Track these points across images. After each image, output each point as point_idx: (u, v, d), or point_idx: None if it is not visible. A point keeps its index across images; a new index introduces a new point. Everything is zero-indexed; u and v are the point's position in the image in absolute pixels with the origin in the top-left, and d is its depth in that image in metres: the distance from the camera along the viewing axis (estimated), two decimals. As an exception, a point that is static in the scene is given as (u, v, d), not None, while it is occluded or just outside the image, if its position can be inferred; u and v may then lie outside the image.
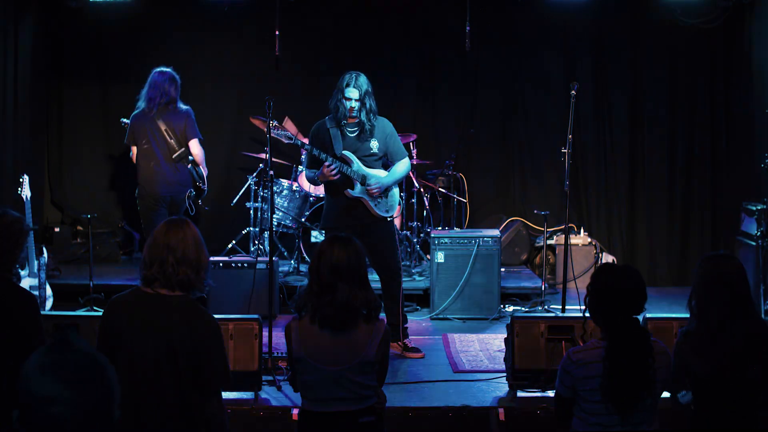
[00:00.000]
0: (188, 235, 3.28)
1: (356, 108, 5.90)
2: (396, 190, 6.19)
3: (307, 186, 8.08)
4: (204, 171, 7.15)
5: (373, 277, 7.49)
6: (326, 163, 5.84)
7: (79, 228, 9.01)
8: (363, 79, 5.93)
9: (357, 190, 5.97)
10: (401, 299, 6.11)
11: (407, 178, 7.95)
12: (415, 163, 8.27)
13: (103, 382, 1.87)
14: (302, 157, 8.24)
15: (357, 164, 5.96)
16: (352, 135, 6.00)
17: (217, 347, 3.24)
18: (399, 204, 6.20)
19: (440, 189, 8.39)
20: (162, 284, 3.23)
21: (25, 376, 1.86)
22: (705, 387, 3.48)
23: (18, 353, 3.48)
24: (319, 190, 8.11)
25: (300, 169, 8.17)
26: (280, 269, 7.68)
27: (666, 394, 3.52)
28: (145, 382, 3.15)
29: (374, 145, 6.02)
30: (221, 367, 3.24)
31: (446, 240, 7.25)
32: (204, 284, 3.32)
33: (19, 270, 5.70)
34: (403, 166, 6.15)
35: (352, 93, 5.90)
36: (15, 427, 1.84)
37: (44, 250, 6.42)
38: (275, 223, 8.07)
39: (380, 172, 6.06)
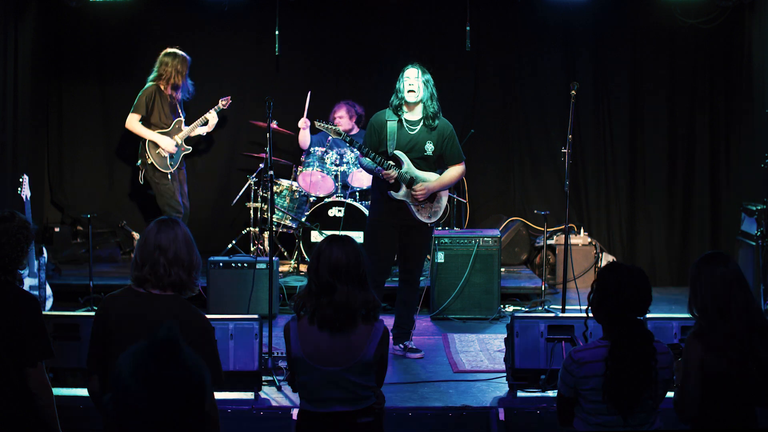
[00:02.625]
0: (179, 235, 3.26)
1: (416, 89, 5.81)
2: (444, 198, 6.11)
3: (307, 186, 8.07)
4: (148, 146, 7.59)
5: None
6: (388, 171, 5.80)
7: (79, 228, 9.00)
8: (424, 70, 5.88)
9: (401, 193, 5.90)
10: (415, 306, 6.15)
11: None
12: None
13: (188, 400, 1.91)
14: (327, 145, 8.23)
15: (407, 166, 5.88)
16: (411, 132, 5.90)
17: (208, 347, 3.22)
18: (446, 210, 6.18)
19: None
20: (153, 285, 3.22)
21: (119, 364, 1.91)
22: (713, 385, 3.47)
23: (21, 357, 3.48)
24: (320, 191, 8.10)
25: (300, 169, 8.17)
26: (280, 269, 7.68)
27: (670, 394, 3.52)
28: None
29: (429, 147, 5.93)
30: (214, 365, 3.22)
31: (446, 240, 7.25)
32: (195, 284, 3.31)
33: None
34: (455, 172, 6.03)
35: (411, 73, 5.83)
36: (108, 408, 1.91)
37: (44, 250, 6.42)
38: (275, 223, 8.07)
39: (431, 176, 5.97)
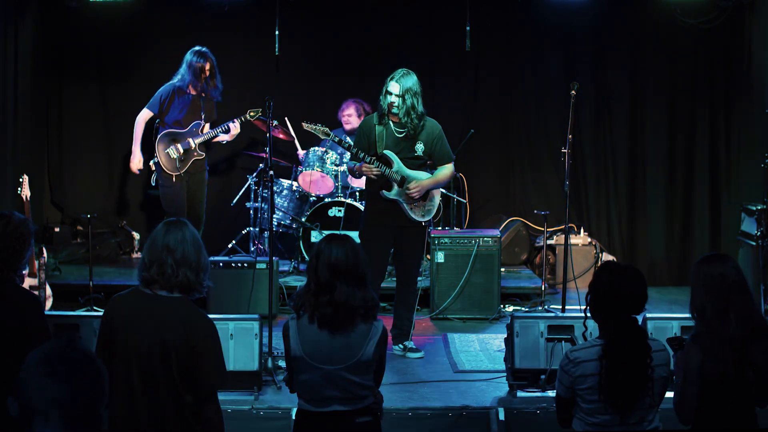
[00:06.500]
0: (187, 236, 3.26)
1: (396, 104, 5.81)
2: (437, 196, 6.14)
3: (307, 186, 8.07)
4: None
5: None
6: (368, 163, 5.80)
7: (79, 228, 9.01)
8: (409, 78, 5.83)
9: (393, 192, 5.92)
10: (413, 306, 6.16)
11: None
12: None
13: (96, 384, 2.02)
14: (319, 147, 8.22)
15: (397, 165, 5.91)
16: (398, 135, 5.93)
17: (213, 349, 3.22)
18: (439, 209, 6.19)
19: (441, 189, 8.39)
20: (161, 286, 3.22)
21: (24, 368, 2.01)
22: (712, 388, 3.46)
23: (23, 356, 3.48)
24: (320, 190, 8.11)
25: (300, 170, 8.17)
26: (280, 269, 7.67)
27: (669, 394, 3.51)
28: (140, 382, 3.14)
29: (419, 147, 5.95)
30: (217, 369, 3.22)
31: (446, 240, 7.25)
32: (203, 286, 3.31)
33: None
34: (446, 171, 6.08)
35: (393, 87, 5.81)
36: (11, 413, 2.00)
37: (44, 250, 6.42)
38: (275, 223, 8.07)
39: (422, 175, 6.01)
